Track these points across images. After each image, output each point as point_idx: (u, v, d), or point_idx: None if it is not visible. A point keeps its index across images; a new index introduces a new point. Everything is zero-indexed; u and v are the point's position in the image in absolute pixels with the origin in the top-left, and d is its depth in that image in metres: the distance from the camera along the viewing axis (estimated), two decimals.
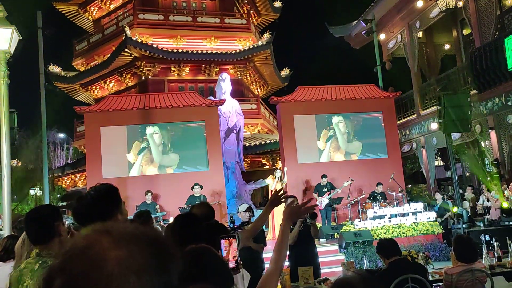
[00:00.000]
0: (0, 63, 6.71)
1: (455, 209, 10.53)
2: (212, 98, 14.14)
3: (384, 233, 10.47)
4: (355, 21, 17.77)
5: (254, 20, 24.54)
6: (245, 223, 5.50)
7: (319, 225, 11.03)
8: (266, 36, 20.63)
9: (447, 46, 17.72)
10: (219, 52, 20.15)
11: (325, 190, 12.00)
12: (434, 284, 4.81)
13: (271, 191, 12.05)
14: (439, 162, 19.41)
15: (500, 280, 5.57)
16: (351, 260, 7.03)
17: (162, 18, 20.72)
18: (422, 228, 10.69)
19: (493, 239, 6.51)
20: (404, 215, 10.95)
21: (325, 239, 10.81)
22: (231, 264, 1.93)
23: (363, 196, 12.00)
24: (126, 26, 18.81)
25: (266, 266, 5.45)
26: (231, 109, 14.20)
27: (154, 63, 19.80)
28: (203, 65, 20.45)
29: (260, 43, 20.49)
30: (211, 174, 12.60)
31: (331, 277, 5.02)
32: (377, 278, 4.28)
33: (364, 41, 18.23)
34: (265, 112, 22.54)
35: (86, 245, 0.67)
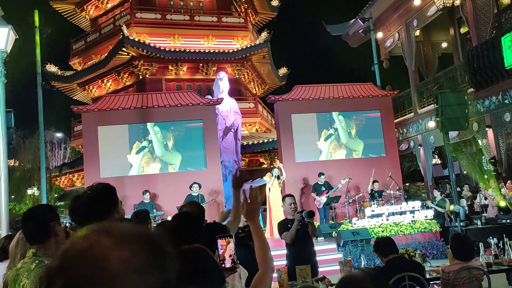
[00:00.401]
0: None
1: (451, 207, 10.55)
2: (209, 97, 14.13)
3: (382, 231, 10.49)
4: (353, 20, 17.77)
5: (251, 19, 24.51)
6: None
7: (317, 223, 11.06)
8: (264, 35, 20.61)
9: (444, 45, 17.75)
10: (216, 51, 20.13)
11: (323, 189, 12.02)
12: (431, 282, 4.83)
13: (269, 189, 12.06)
14: (436, 160, 19.45)
15: (497, 278, 5.60)
16: (349, 259, 7.04)
17: (159, 17, 20.68)
18: (419, 226, 10.72)
19: (495, 239, 6.51)
20: (401, 213, 10.98)
21: (323, 238, 10.83)
22: (228, 264, 1.93)
23: (361, 194, 12.02)
24: (123, 25, 18.77)
25: None
26: (228, 108, 14.19)
27: (151, 62, 19.76)
28: (201, 64, 20.43)
29: (257, 42, 20.48)
30: (209, 173, 12.60)
31: (329, 276, 5.03)
32: None
33: (362, 40, 18.24)
34: (263, 111, 22.54)
35: (86, 245, 0.66)
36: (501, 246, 5.52)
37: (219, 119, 13.73)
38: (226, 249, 1.93)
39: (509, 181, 10.83)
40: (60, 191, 23.81)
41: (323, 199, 11.87)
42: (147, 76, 19.95)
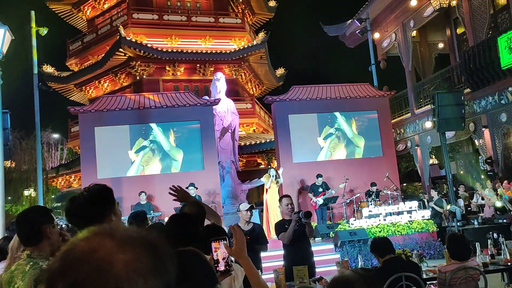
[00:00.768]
0: None
1: (448, 207, 10.59)
2: (207, 97, 14.12)
3: (379, 231, 10.51)
4: (350, 20, 17.80)
5: (249, 20, 24.52)
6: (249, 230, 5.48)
7: (314, 224, 11.06)
8: (261, 35, 20.62)
9: (441, 45, 17.80)
10: (214, 51, 20.13)
11: (320, 190, 12.03)
12: (428, 282, 4.84)
13: (266, 189, 12.06)
14: (433, 160, 19.51)
15: (494, 278, 5.62)
16: (346, 259, 7.05)
17: (157, 18, 20.66)
18: (417, 226, 10.74)
19: (495, 235, 6.54)
20: (399, 213, 11.00)
21: (320, 238, 10.83)
22: (222, 267, 1.92)
23: (358, 195, 12.04)
24: (120, 26, 18.74)
25: (264, 265, 5.49)
26: (226, 109, 14.18)
27: (148, 63, 19.74)
28: (198, 65, 20.42)
29: (255, 43, 20.49)
30: (206, 174, 12.59)
31: (326, 276, 5.03)
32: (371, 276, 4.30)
33: (359, 40, 18.28)
34: (260, 111, 22.55)
35: (89, 248, 0.66)
36: (500, 242, 5.54)
37: (216, 120, 13.72)
38: (219, 252, 1.92)
39: (505, 181, 10.87)
40: (57, 192, 23.74)
41: (320, 200, 11.89)
42: (144, 76, 19.92)
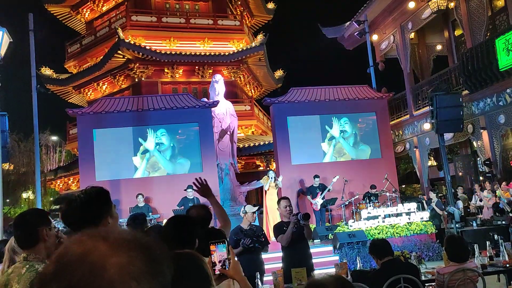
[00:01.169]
0: None
1: (447, 208, 10.59)
2: (205, 99, 14.12)
3: (378, 233, 10.50)
4: (348, 22, 17.83)
5: (247, 22, 24.56)
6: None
7: (313, 226, 11.05)
8: (260, 37, 20.65)
9: (439, 47, 17.84)
10: (212, 53, 20.14)
11: (318, 191, 12.03)
12: (426, 284, 4.83)
13: (265, 191, 12.05)
14: (432, 162, 19.54)
15: (492, 279, 5.62)
16: (345, 261, 7.04)
17: (155, 20, 20.68)
18: (415, 228, 10.74)
19: (495, 236, 6.53)
20: (397, 215, 10.99)
21: (319, 240, 10.82)
22: (219, 270, 1.92)
23: (357, 197, 12.03)
24: (119, 28, 18.75)
25: (266, 267, 5.48)
26: (224, 111, 14.18)
27: (147, 65, 19.75)
28: (197, 67, 20.43)
29: (253, 45, 20.51)
30: (205, 175, 12.52)
31: None
32: (370, 278, 4.29)
33: (357, 42, 18.31)
34: (259, 113, 22.56)
35: (83, 251, 0.66)
36: (499, 244, 5.53)
37: (215, 122, 13.72)
38: (216, 254, 1.92)
39: (504, 183, 10.88)
40: (55, 195, 23.69)
41: (319, 201, 11.88)
42: (143, 79, 19.92)
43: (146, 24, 20.49)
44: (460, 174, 15.74)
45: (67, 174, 21.52)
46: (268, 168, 17.94)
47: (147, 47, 19.06)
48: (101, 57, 20.02)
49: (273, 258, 7.85)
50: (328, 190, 12.02)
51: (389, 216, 10.98)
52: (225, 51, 20.51)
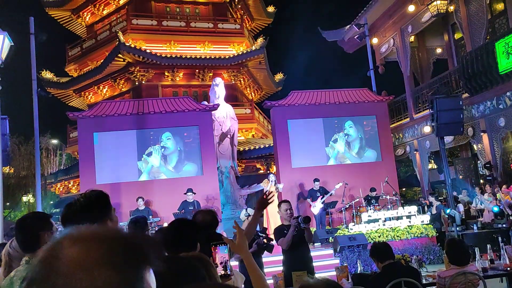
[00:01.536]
0: None
1: (448, 211, 10.58)
2: (206, 103, 14.13)
3: (379, 236, 10.48)
4: (348, 26, 17.87)
5: (247, 25, 24.61)
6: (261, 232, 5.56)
7: (313, 229, 11.03)
8: (260, 41, 20.68)
9: (439, 50, 17.87)
10: (212, 57, 20.18)
11: (318, 194, 12.01)
12: (427, 287, 4.82)
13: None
14: (432, 165, 19.51)
15: (493, 282, 5.60)
16: (345, 264, 7.03)
17: (156, 24, 20.73)
18: (416, 231, 10.71)
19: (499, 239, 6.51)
20: (398, 218, 10.98)
21: (319, 243, 10.81)
22: (220, 271, 1.92)
23: (357, 200, 12.02)
24: (119, 32, 18.79)
25: (267, 270, 5.48)
26: (225, 114, 14.19)
27: (147, 69, 19.77)
28: (197, 70, 20.46)
29: (253, 48, 20.54)
30: (205, 179, 12.57)
31: None
32: (371, 281, 4.28)
33: (357, 46, 18.34)
34: (259, 116, 22.56)
35: (49, 247, 0.68)
36: (500, 247, 5.52)
37: (215, 125, 13.73)
38: (217, 256, 1.92)
39: (504, 186, 10.87)
40: (56, 198, 23.67)
41: (319, 204, 11.87)
42: (143, 82, 19.95)
43: (146, 27, 20.54)
44: (461, 177, 15.72)
45: (67, 178, 21.51)
46: (268, 171, 17.93)
47: (148, 51, 19.09)
48: (102, 61, 20.05)
49: (273, 262, 7.85)
50: (330, 195, 12.03)
51: (390, 219, 10.96)
52: (226, 54, 20.54)
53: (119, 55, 18.73)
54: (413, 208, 11.26)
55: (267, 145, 17.71)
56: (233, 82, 21.06)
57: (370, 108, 14.05)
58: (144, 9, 21.11)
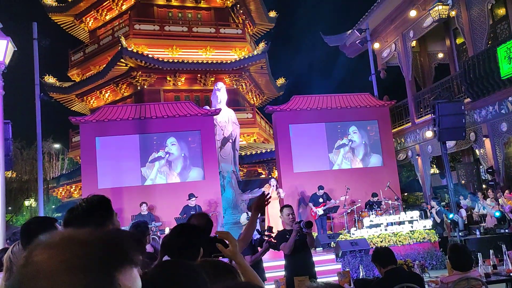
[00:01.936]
0: None
1: (450, 216, 10.54)
2: (207, 107, 14.16)
3: (381, 241, 10.43)
4: (350, 31, 17.90)
5: (249, 30, 24.70)
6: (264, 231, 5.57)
7: (315, 234, 11.00)
8: (262, 45, 20.75)
9: (440, 55, 17.88)
10: (214, 61, 20.25)
11: (321, 200, 12.00)
12: None
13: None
14: (434, 170, 19.46)
15: (500, 286, 5.56)
16: (347, 269, 7.00)
17: (158, 29, 20.83)
18: (418, 237, 10.66)
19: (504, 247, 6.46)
20: (400, 223, 10.93)
21: (321, 248, 10.77)
22: None
23: (359, 205, 11.99)
24: (122, 37, 18.89)
25: (268, 275, 5.46)
26: (226, 119, 14.21)
27: (149, 73, 19.85)
28: (199, 75, 20.52)
29: (255, 53, 20.61)
30: (207, 183, 12.57)
31: None
32: (373, 287, 4.26)
33: (359, 50, 18.37)
34: (261, 121, 22.59)
35: (23, 256, 0.69)
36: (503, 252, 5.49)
37: (217, 130, 13.74)
38: None
39: (506, 191, 10.83)
40: (58, 203, 23.68)
41: (320, 211, 11.86)
42: (145, 87, 20.01)
43: (149, 32, 20.64)
44: (463, 182, 15.67)
45: (70, 182, 21.55)
46: (270, 176, 17.91)
47: (150, 55, 19.17)
48: (104, 65, 20.14)
49: (275, 266, 7.83)
50: (332, 203, 12.03)
51: (392, 224, 10.92)
52: (227, 59, 20.61)
53: (122, 60, 18.82)
54: (415, 213, 11.21)
55: (268, 150, 17.72)
56: (235, 86, 21.11)
57: (372, 113, 14.05)
58: (146, 14, 21.22)
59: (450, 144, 13.41)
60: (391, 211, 11.57)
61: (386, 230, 10.76)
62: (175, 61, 19.57)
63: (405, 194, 19.10)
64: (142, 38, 20.32)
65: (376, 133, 13.94)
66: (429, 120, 13.58)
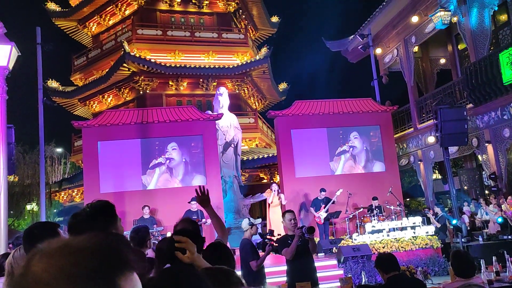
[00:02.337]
0: None
1: (454, 221, 10.50)
2: (209, 112, 14.18)
3: (383, 247, 10.39)
4: (352, 36, 17.95)
5: (251, 35, 24.79)
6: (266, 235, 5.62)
7: (317, 239, 10.97)
8: (264, 50, 20.82)
9: (442, 61, 17.90)
10: (217, 66, 20.30)
11: (322, 204, 11.97)
12: None
13: (268, 204, 12.00)
14: (437, 175, 19.43)
15: None
16: (349, 275, 6.97)
17: (160, 33, 20.92)
18: (421, 242, 10.61)
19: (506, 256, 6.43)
20: (402, 229, 10.89)
21: (323, 254, 10.73)
22: None
23: (361, 210, 11.96)
24: (125, 41, 18.97)
25: (270, 281, 5.45)
26: (228, 123, 14.22)
27: (152, 78, 19.91)
28: (201, 80, 20.58)
29: (257, 58, 20.67)
30: (208, 188, 12.48)
31: None
32: None
33: (361, 56, 18.41)
34: (263, 126, 22.61)
35: (25, 262, 0.69)
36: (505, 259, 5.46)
37: (219, 134, 13.75)
38: None
39: (509, 197, 10.79)
40: (60, 207, 23.69)
41: (323, 214, 11.82)
42: (147, 91, 20.07)
43: (151, 37, 20.73)
44: (465, 187, 15.63)
45: (72, 186, 21.58)
46: (272, 181, 17.90)
47: (152, 60, 19.24)
48: (107, 70, 20.22)
49: (277, 272, 7.80)
50: (333, 203, 11.96)
51: (394, 229, 10.87)
52: (230, 64, 20.67)
53: (124, 65, 18.89)
54: (418, 219, 11.17)
55: (270, 155, 17.72)
56: (237, 91, 21.15)
57: (374, 118, 14.05)
58: (149, 19, 21.33)
59: (452, 149, 13.38)
60: (393, 217, 11.54)
61: (388, 235, 10.72)
62: (178, 65, 19.63)
63: (407, 199, 19.05)
64: (144, 43, 20.41)
65: (378, 139, 13.93)
66: (431, 126, 13.57)
